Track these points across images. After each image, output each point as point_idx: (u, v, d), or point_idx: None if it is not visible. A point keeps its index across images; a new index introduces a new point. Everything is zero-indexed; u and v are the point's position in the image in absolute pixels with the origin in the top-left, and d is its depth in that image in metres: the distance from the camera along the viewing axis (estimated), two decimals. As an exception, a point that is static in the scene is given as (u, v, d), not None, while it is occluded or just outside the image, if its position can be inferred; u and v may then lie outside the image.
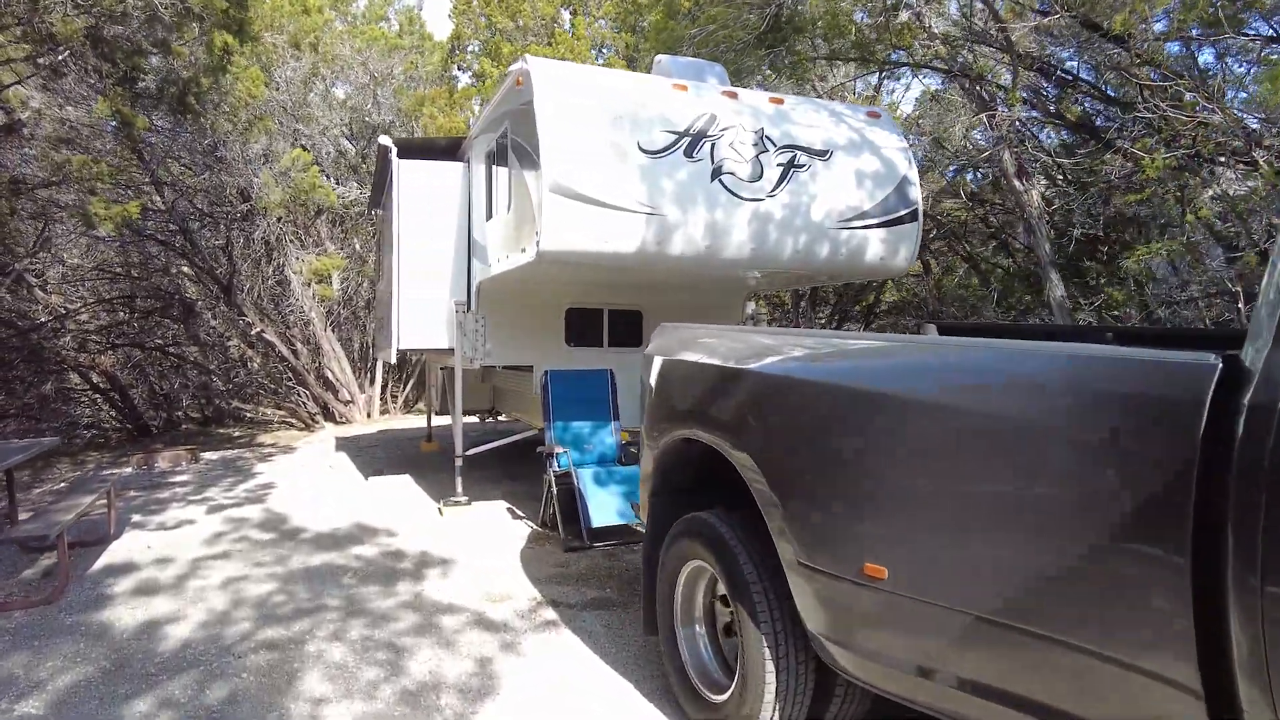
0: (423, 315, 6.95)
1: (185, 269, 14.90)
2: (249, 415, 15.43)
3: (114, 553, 5.63)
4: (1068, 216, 7.24)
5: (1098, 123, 7.43)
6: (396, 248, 6.85)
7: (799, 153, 5.31)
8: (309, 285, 14.02)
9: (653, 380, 3.78)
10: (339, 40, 12.94)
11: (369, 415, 15.58)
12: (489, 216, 6.27)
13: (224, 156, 11.36)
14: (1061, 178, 7.70)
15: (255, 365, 15.48)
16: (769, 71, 8.89)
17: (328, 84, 13.62)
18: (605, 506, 5.63)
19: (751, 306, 7.81)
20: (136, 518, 6.71)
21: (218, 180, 11.56)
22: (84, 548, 5.72)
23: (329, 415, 15.09)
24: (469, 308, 6.83)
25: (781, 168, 5.24)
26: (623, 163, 4.77)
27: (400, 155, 6.84)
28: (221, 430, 15.26)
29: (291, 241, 12.68)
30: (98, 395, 15.72)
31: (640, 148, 4.84)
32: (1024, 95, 7.28)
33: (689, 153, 4.97)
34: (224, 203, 12.55)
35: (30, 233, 10.96)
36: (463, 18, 14.97)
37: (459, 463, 6.88)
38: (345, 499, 7.45)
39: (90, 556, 5.52)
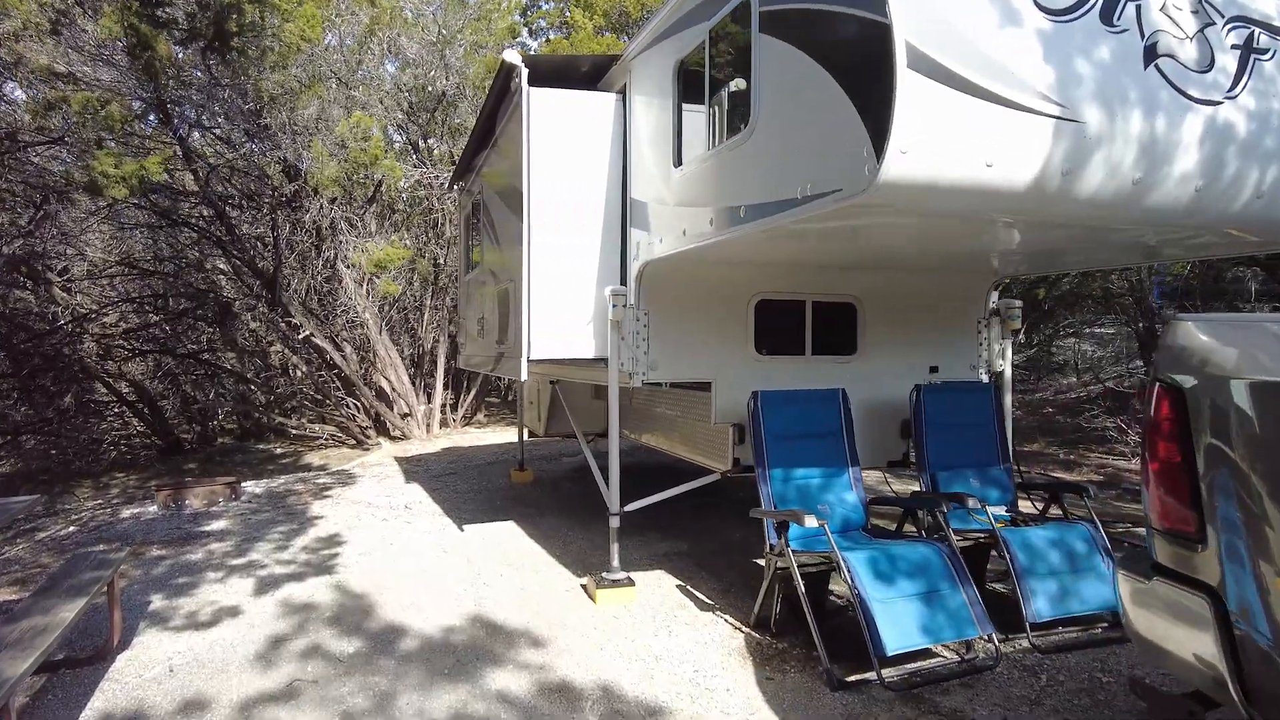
0: (561, 313, 4.86)
1: (220, 264, 13.04)
2: (293, 430, 13.49)
3: (116, 682, 3.57)
4: None
5: None
6: (527, 217, 4.75)
7: (1257, 30, 3.14)
8: (363, 283, 12.07)
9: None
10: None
11: (428, 430, 13.60)
12: (677, 162, 4.15)
13: (268, 124, 9.38)
14: None
15: (300, 374, 13.56)
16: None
17: (385, 46, 11.63)
18: (902, 618, 3.46)
19: (995, 297, 5.62)
20: (155, 601, 4.68)
21: (260, 152, 9.60)
22: (72, 670, 3.68)
23: (382, 429, 13.13)
24: (627, 300, 4.72)
25: (1237, 51, 3.06)
26: (1014, 25, 2.64)
27: (533, 81, 4.75)
28: (262, 446, 13.39)
29: (347, 228, 10.70)
30: (124, 407, 13.91)
31: (1036, 2, 2.70)
32: None
33: (1107, 17, 2.82)
34: (267, 182, 10.60)
35: (23, 204, 8.98)
36: (538, -28, 12.97)
37: (615, 523, 4.75)
38: (444, 565, 5.37)
39: (78, 691, 3.47)
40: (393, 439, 13.03)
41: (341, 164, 9.43)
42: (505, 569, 5.26)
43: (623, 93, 4.90)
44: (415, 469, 9.68)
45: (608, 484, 4.83)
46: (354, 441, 12.80)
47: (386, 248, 10.13)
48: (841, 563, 3.58)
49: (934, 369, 5.53)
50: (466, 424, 15.28)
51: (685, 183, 4.07)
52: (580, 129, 4.85)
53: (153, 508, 7.57)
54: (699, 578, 5.03)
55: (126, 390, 13.61)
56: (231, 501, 7.68)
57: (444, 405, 14.36)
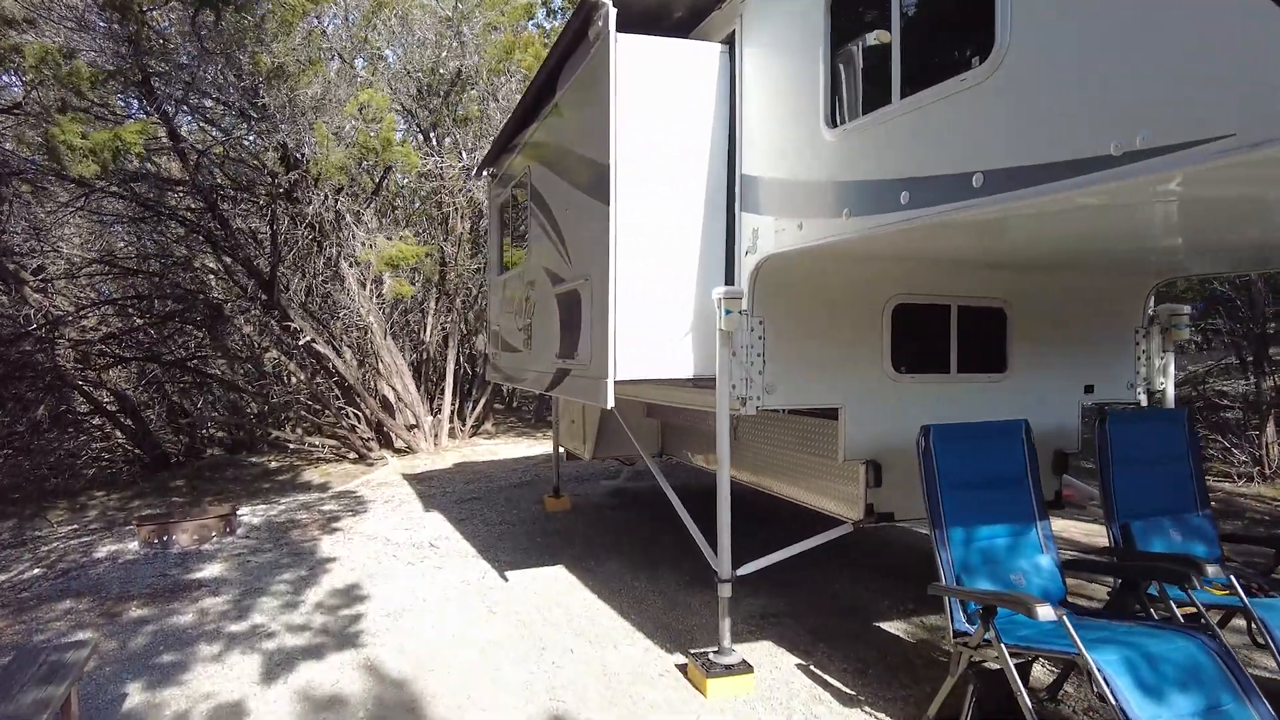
0: (656, 321, 3.85)
1: (210, 262, 11.94)
2: (290, 444, 12.39)
3: (78, 846, 2.53)
4: None
5: None
6: (613, 199, 3.74)
7: None
8: (366, 285, 10.99)
9: None
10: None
11: (436, 442, 12.53)
12: (832, 121, 3.15)
13: (266, 104, 8.32)
14: None
15: (297, 381, 12.45)
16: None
17: (393, 24, 10.58)
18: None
19: (1152, 302, 4.66)
20: (132, 694, 3.62)
21: (257, 135, 8.53)
22: (15, 825, 2.63)
23: (385, 442, 12.07)
24: (741, 304, 3.71)
25: None
26: None
27: (620, 26, 3.74)
28: (255, 460, 12.27)
29: (353, 222, 9.63)
30: (105, 419, 12.75)
31: None
32: None
33: None
34: (264, 170, 9.52)
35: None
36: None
37: (725, 593, 3.72)
38: (495, 633, 4.33)
39: None
40: (398, 452, 11.98)
41: (348, 149, 8.38)
42: (574, 639, 4.23)
43: (729, 43, 3.89)
44: (431, 491, 8.63)
45: (715, 548, 3.79)
46: (356, 455, 11.73)
47: (398, 244, 9.08)
48: (1094, 669, 2.58)
49: (1089, 389, 4.57)
50: (475, 433, 14.24)
51: (851, 147, 3.06)
52: (679, 87, 3.85)
53: (133, 545, 6.49)
54: (820, 652, 4.02)
55: (107, 400, 12.47)
56: (226, 537, 6.61)
57: (451, 414, 13.33)
